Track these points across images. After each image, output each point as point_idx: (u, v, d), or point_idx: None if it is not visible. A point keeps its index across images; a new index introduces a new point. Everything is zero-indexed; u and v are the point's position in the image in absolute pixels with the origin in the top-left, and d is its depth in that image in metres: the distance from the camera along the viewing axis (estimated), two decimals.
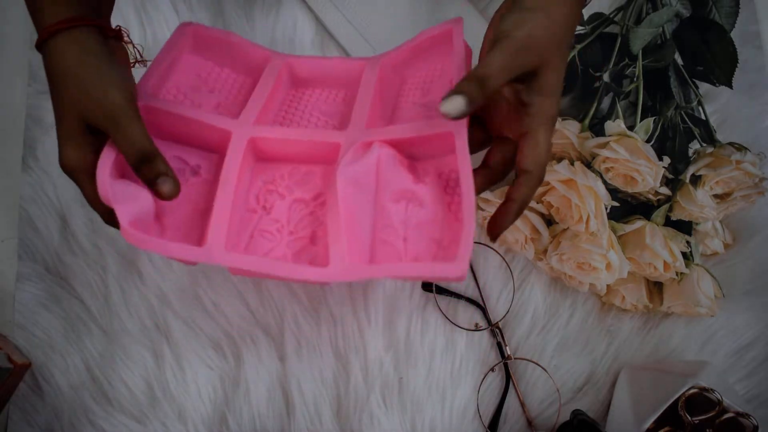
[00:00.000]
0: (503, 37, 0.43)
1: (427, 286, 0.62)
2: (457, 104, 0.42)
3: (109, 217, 0.47)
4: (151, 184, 0.45)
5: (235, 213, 0.50)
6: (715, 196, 0.63)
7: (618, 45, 0.66)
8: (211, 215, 0.48)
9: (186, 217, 0.51)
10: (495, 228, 0.46)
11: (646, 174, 0.62)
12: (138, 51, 0.55)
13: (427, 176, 0.50)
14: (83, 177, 0.45)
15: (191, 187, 0.52)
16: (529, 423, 0.59)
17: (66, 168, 0.45)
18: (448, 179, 0.50)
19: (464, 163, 0.45)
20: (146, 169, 0.45)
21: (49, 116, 0.65)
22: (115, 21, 0.49)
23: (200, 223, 0.51)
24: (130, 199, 0.46)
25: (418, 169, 0.51)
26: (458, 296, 0.62)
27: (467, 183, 0.44)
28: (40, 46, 0.45)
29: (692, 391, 0.51)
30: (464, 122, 0.46)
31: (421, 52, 0.55)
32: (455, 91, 0.42)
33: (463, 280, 0.48)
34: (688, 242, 0.62)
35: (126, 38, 0.50)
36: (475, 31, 0.65)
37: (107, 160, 0.45)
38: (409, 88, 0.56)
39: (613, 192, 0.63)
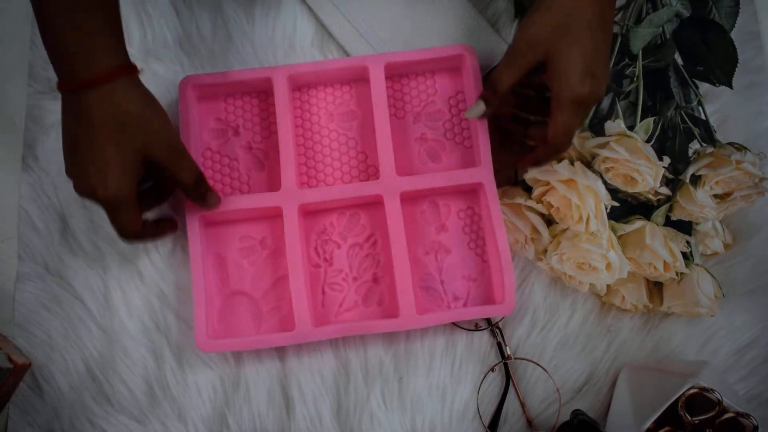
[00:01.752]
0: (511, 43, 0.53)
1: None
2: (477, 108, 0.56)
3: (139, 236, 0.54)
4: (203, 199, 0.56)
5: (306, 278, 0.58)
6: (715, 196, 0.63)
7: (618, 45, 0.66)
8: (290, 291, 0.57)
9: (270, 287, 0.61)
10: (522, 163, 0.61)
11: (646, 174, 0.62)
12: None
13: (448, 218, 0.62)
14: (132, 206, 0.51)
15: (266, 260, 0.61)
16: (529, 423, 0.59)
17: (108, 194, 0.49)
18: (465, 219, 0.62)
19: (497, 216, 0.59)
20: (201, 187, 0.55)
21: (49, 116, 0.65)
22: None
23: (282, 289, 0.60)
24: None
25: (440, 209, 0.62)
26: None
27: (501, 234, 0.58)
28: (81, 86, 0.48)
29: (692, 391, 0.51)
30: (492, 173, 0.59)
31: (426, 66, 0.64)
32: (479, 96, 0.56)
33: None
34: (688, 242, 0.62)
35: None
36: (475, 32, 0.65)
37: None
38: (410, 97, 0.64)
39: (613, 192, 0.63)
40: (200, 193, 0.55)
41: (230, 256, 0.61)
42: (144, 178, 0.52)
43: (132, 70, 0.50)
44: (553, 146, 0.53)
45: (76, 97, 0.48)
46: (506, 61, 0.53)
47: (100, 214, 0.63)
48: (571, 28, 0.50)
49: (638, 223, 0.62)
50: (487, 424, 0.59)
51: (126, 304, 0.61)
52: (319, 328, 0.57)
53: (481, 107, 0.56)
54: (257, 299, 0.60)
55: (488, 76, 0.60)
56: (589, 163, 0.63)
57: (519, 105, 0.59)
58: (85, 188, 0.50)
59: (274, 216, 0.60)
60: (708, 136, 0.64)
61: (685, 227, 0.62)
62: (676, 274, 0.61)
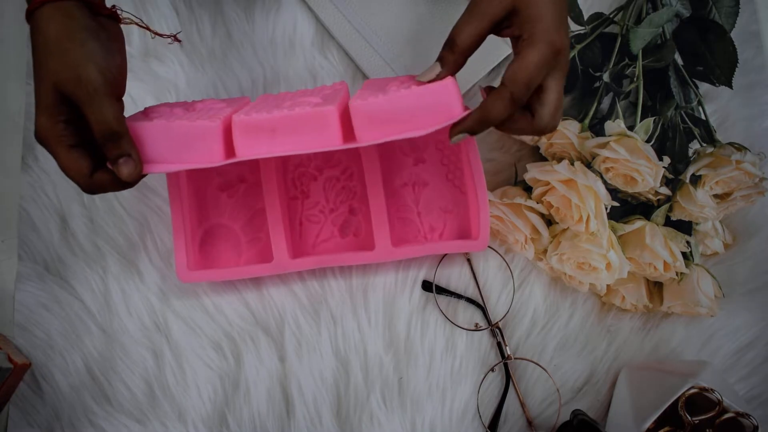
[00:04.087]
0: None
1: (427, 286, 0.62)
2: (432, 70, 0.47)
3: (89, 186, 0.47)
4: (113, 163, 0.46)
5: (284, 211, 0.58)
6: (715, 196, 0.63)
7: (618, 45, 0.66)
8: (267, 224, 0.58)
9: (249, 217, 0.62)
10: (454, 127, 0.48)
11: (646, 174, 0.62)
12: (143, 25, 0.56)
13: (426, 151, 0.60)
14: (54, 145, 0.45)
15: (244, 193, 0.62)
16: (529, 423, 0.59)
17: (38, 136, 0.45)
18: (444, 150, 0.61)
19: (473, 149, 0.56)
20: (110, 147, 0.46)
21: None
22: None
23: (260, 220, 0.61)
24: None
25: (418, 145, 0.60)
26: (458, 296, 0.62)
27: (477, 167, 0.56)
28: (28, 17, 0.45)
29: (692, 391, 0.51)
30: (467, 110, 0.48)
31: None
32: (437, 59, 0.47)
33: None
34: (688, 242, 0.62)
35: (127, 19, 0.50)
36: None
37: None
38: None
39: (613, 192, 0.63)
40: (111, 152, 0.46)
41: (209, 190, 0.62)
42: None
43: None
44: (508, 90, 0.45)
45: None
46: (467, 15, 0.46)
47: (100, 214, 0.63)
48: None
49: (638, 223, 0.62)
50: (487, 424, 0.59)
51: (126, 304, 0.61)
52: (297, 259, 0.58)
53: (436, 68, 0.47)
54: (236, 231, 0.61)
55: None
56: (589, 163, 0.63)
57: None
58: None
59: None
60: (708, 136, 0.64)
61: (685, 227, 0.62)
62: (676, 274, 0.61)
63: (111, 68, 0.46)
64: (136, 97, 0.64)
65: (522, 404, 0.60)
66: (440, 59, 0.47)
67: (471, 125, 0.47)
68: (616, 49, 0.66)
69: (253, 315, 0.61)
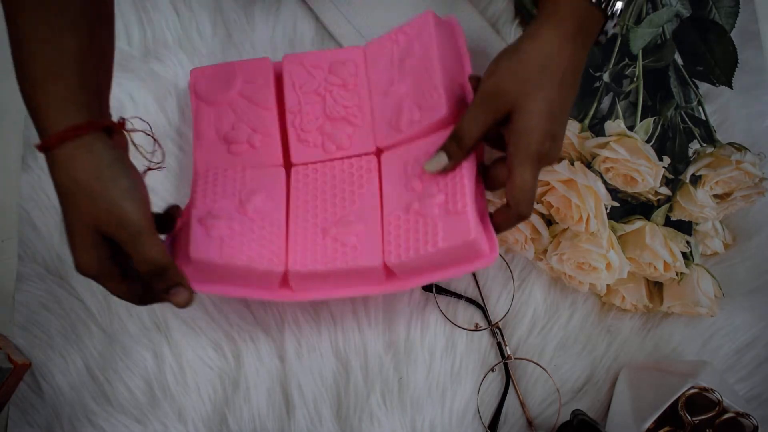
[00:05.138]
0: (477, 90, 0.49)
1: (427, 286, 0.62)
2: (439, 162, 0.51)
3: (147, 303, 0.48)
4: (165, 292, 0.46)
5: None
6: (715, 196, 0.63)
7: (618, 45, 0.66)
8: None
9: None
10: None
11: (646, 174, 0.62)
12: (154, 139, 0.51)
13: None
14: (104, 282, 0.45)
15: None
16: (529, 423, 0.59)
17: (83, 273, 0.44)
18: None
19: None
20: (158, 282, 0.45)
21: None
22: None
23: None
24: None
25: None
26: (458, 296, 0.62)
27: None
28: (44, 150, 0.43)
29: (692, 391, 0.51)
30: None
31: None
32: (440, 148, 0.51)
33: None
34: (688, 242, 0.62)
35: (135, 128, 0.48)
36: (475, 32, 0.65)
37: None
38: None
39: (613, 192, 0.63)
40: (159, 287, 0.46)
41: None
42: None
43: (89, 127, 0.42)
44: (515, 209, 0.48)
45: (46, 160, 0.43)
46: (472, 113, 0.49)
47: None
48: (544, 85, 0.46)
49: (638, 223, 0.62)
50: (487, 424, 0.59)
51: (126, 304, 0.61)
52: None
53: (443, 159, 0.51)
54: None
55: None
56: (589, 163, 0.63)
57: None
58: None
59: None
60: (708, 136, 0.64)
61: (685, 227, 0.63)
62: (676, 274, 0.61)
63: (143, 198, 0.44)
64: (136, 97, 0.64)
65: (522, 404, 0.60)
66: (447, 151, 0.50)
67: (497, 227, 0.52)
68: (616, 49, 0.66)
69: (253, 315, 0.61)
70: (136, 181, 0.45)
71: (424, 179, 0.54)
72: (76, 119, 0.42)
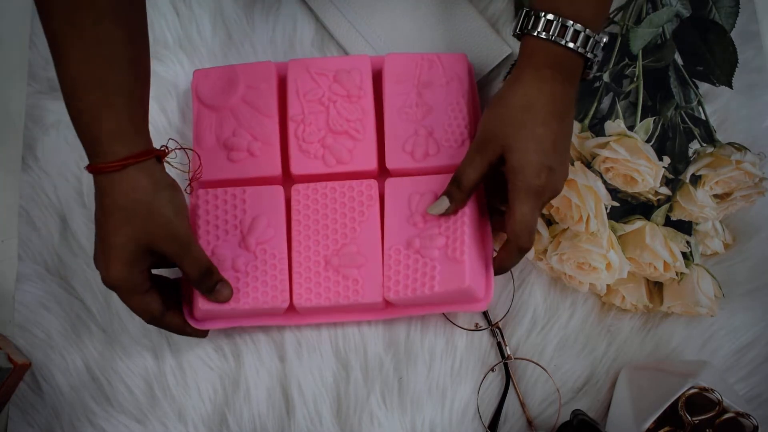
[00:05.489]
0: (476, 134, 0.53)
1: None
2: (441, 205, 0.54)
3: (158, 324, 0.54)
4: (211, 292, 0.54)
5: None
6: (715, 196, 0.63)
7: (618, 45, 0.66)
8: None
9: None
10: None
11: (646, 174, 0.62)
12: (196, 153, 0.58)
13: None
14: (128, 293, 0.51)
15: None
16: (529, 423, 0.59)
17: (110, 284, 0.50)
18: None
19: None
20: (210, 280, 0.53)
21: (48, 116, 0.65)
22: None
23: None
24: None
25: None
26: None
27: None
28: (94, 172, 0.48)
29: (692, 391, 0.51)
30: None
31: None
32: (443, 193, 0.54)
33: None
34: (688, 242, 0.62)
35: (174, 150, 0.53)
36: (475, 32, 0.65)
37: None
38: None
39: (613, 192, 0.63)
40: (208, 286, 0.54)
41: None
42: (157, 263, 0.52)
43: (147, 155, 0.48)
44: (514, 242, 0.51)
45: (95, 180, 0.48)
46: (469, 158, 0.52)
47: None
48: (527, 123, 0.49)
49: (638, 223, 0.62)
50: (487, 424, 0.59)
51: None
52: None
53: (445, 203, 0.54)
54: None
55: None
56: (589, 163, 0.63)
57: (489, 191, 0.58)
58: (96, 263, 0.51)
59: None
60: (708, 136, 0.64)
61: (685, 227, 0.63)
62: (676, 274, 0.61)
63: (186, 213, 0.51)
64: None
65: (522, 404, 0.60)
66: (448, 195, 0.54)
67: (499, 271, 0.56)
68: (616, 49, 0.66)
69: None
70: (182, 199, 0.51)
71: (427, 218, 0.56)
72: (136, 146, 0.48)
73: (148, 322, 0.54)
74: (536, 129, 0.49)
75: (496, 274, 0.56)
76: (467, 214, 0.55)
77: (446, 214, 0.55)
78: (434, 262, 0.55)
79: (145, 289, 0.51)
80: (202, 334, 0.58)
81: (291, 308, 0.58)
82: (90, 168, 0.48)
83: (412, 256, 0.56)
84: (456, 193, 0.53)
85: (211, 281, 0.53)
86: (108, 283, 0.50)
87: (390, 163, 0.59)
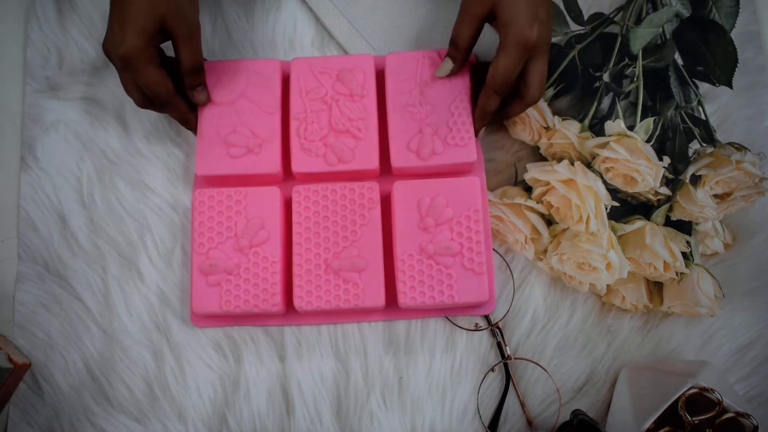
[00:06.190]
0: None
1: None
2: (446, 66, 0.58)
3: (168, 101, 0.57)
4: (192, 89, 0.58)
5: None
6: (715, 196, 0.63)
7: (618, 45, 0.66)
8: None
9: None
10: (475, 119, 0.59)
11: (646, 174, 0.62)
12: None
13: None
14: (145, 63, 0.53)
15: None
16: (529, 423, 0.59)
17: (126, 54, 0.52)
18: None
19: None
20: (194, 77, 0.57)
21: (47, 115, 0.65)
22: None
23: None
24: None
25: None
26: None
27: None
28: None
29: (692, 391, 0.51)
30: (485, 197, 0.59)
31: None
32: (446, 55, 0.58)
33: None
34: (688, 242, 0.62)
35: None
36: None
37: None
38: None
39: (613, 192, 0.63)
40: (194, 82, 0.57)
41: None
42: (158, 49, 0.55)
43: None
44: (491, 86, 0.54)
45: None
46: (460, 17, 0.55)
47: (100, 214, 0.63)
48: None
49: (638, 223, 0.62)
50: (487, 424, 0.59)
51: (126, 304, 0.61)
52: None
53: (449, 64, 0.58)
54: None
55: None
56: (589, 163, 0.63)
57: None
58: (108, 43, 0.53)
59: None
60: (708, 136, 0.64)
61: (685, 227, 0.63)
62: (676, 274, 0.61)
63: (198, 11, 0.55)
64: None
65: (522, 404, 0.60)
66: (450, 57, 0.57)
67: (477, 123, 0.59)
68: (616, 49, 0.66)
69: None
70: None
71: (438, 221, 0.57)
72: None
73: (158, 102, 0.56)
74: None
75: (479, 120, 0.58)
76: (481, 223, 0.56)
77: (451, 74, 0.59)
78: (451, 271, 0.56)
79: (158, 63, 0.54)
80: (208, 98, 0.60)
81: (291, 309, 0.58)
82: None
83: (426, 262, 0.56)
84: (455, 53, 0.57)
85: (197, 79, 0.57)
86: (125, 54, 0.52)
87: (395, 162, 0.59)
